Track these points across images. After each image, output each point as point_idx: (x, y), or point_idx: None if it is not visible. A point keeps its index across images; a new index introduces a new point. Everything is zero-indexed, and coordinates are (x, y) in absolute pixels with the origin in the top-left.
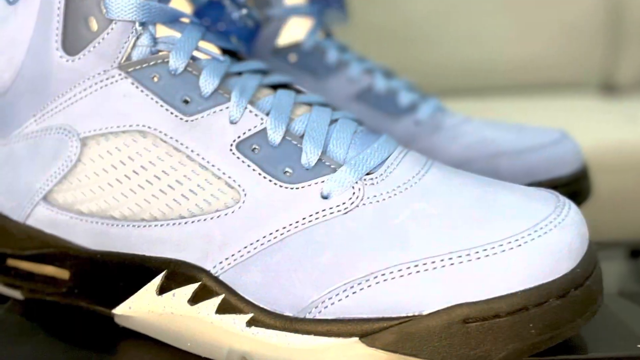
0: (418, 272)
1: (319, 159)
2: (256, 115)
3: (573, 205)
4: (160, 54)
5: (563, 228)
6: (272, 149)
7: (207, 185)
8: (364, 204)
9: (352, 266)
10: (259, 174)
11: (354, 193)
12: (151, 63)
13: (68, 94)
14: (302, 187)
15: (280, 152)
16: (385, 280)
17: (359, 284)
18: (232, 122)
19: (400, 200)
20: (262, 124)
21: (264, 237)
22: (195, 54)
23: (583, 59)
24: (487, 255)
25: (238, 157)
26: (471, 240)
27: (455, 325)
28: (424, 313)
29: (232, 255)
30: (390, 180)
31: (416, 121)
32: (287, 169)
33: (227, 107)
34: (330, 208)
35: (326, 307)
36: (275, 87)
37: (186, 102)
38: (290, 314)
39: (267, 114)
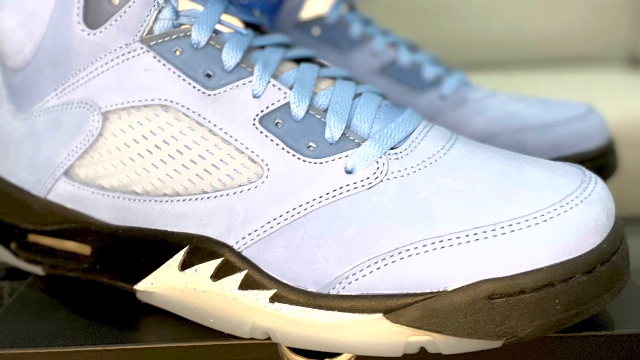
0: (443, 247)
1: (343, 134)
2: (279, 89)
3: (599, 180)
4: (183, 27)
5: (589, 203)
6: (295, 124)
7: (230, 159)
8: (388, 179)
9: (377, 242)
10: (282, 149)
11: (378, 168)
12: (173, 37)
13: (89, 68)
14: (326, 162)
15: (303, 127)
16: (409, 256)
17: (383, 259)
18: (255, 96)
19: (425, 175)
20: (285, 98)
21: (287, 212)
22: (218, 27)
23: (609, 32)
24: (513, 231)
25: (261, 132)
26: (496, 216)
27: (481, 302)
28: (449, 289)
29: (255, 230)
30: (414, 155)
31: (441, 95)
32: (310, 144)
33: (249, 81)
34: (354, 183)
35: (350, 283)
36: (298, 61)
37: (208, 76)
38: (314, 290)
39: (290, 88)
